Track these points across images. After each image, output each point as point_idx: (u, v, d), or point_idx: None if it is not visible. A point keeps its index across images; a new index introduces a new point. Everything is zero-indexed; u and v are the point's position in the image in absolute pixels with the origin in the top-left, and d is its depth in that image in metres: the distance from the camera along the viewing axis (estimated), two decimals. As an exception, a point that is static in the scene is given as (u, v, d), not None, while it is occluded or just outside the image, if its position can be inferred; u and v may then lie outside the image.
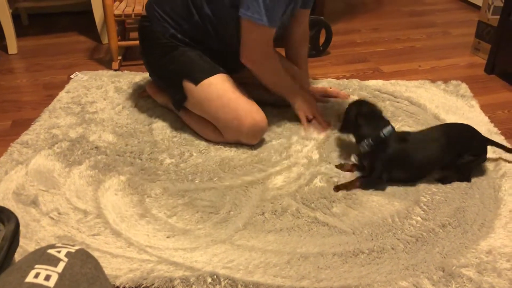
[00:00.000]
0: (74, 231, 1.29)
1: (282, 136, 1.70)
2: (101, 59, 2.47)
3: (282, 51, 1.90)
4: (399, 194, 1.42)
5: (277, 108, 1.84)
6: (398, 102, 1.94)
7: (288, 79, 1.73)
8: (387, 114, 1.82)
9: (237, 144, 1.65)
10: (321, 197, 1.41)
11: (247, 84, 1.70)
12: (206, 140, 1.68)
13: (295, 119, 1.78)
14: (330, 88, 2.00)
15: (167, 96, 1.81)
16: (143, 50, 1.78)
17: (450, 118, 1.80)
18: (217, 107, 1.60)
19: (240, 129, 1.59)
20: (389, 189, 1.44)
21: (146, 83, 2.01)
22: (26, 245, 1.23)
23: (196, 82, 1.61)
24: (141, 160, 1.59)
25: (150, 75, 1.88)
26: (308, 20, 1.87)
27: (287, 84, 1.73)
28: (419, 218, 1.33)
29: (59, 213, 1.35)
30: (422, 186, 1.45)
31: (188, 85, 1.63)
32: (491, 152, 1.60)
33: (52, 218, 1.33)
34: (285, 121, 1.80)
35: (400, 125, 1.77)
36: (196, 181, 1.49)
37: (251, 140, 1.63)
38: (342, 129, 1.57)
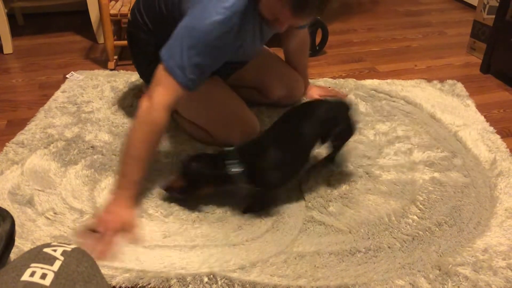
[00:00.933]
0: (70, 231, 1.28)
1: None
2: (97, 59, 2.46)
3: (279, 52, 1.89)
4: (395, 193, 1.42)
5: (271, 108, 1.84)
6: (394, 101, 1.94)
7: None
8: (383, 113, 1.84)
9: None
10: (317, 196, 1.41)
11: (238, 86, 1.69)
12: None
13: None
14: (329, 87, 2.01)
15: None
16: (132, 55, 1.74)
17: (446, 117, 1.80)
18: (207, 111, 1.58)
19: (230, 132, 1.57)
20: (385, 188, 1.44)
21: (142, 83, 2.01)
22: (22, 245, 1.22)
23: None
24: (137, 159, 1.58)
25: (141, 77, 1.86)
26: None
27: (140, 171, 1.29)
28: (415, 217, 1.33)
29: (55, 213, 1.35)
30: (418, 185, 1.45)
31: None
32: (487, 151, 1.61)
33: (48, 218, 1.33)
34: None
35: (397, 124, 1.77)
36: (192, 181, 1.48)
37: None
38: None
